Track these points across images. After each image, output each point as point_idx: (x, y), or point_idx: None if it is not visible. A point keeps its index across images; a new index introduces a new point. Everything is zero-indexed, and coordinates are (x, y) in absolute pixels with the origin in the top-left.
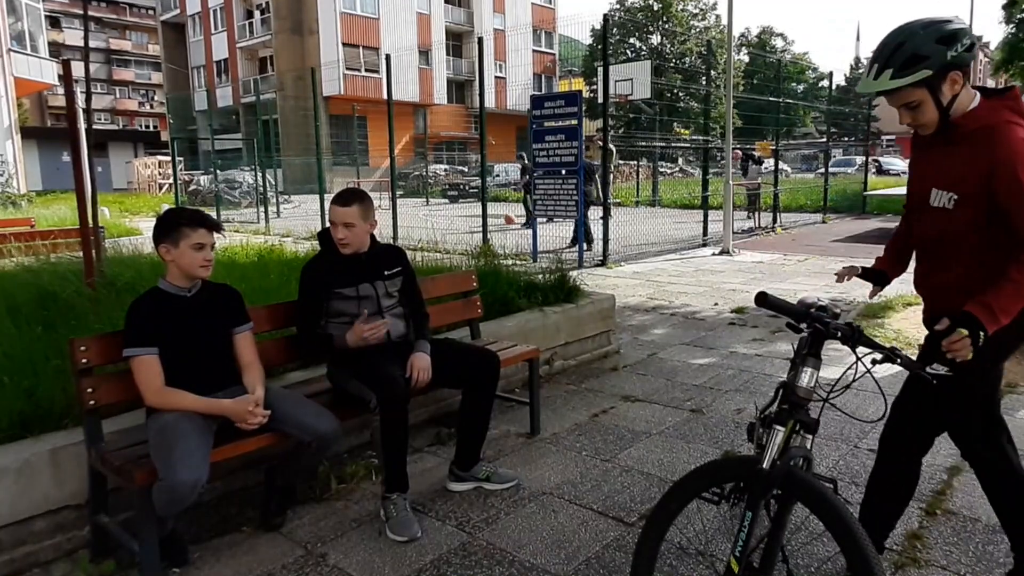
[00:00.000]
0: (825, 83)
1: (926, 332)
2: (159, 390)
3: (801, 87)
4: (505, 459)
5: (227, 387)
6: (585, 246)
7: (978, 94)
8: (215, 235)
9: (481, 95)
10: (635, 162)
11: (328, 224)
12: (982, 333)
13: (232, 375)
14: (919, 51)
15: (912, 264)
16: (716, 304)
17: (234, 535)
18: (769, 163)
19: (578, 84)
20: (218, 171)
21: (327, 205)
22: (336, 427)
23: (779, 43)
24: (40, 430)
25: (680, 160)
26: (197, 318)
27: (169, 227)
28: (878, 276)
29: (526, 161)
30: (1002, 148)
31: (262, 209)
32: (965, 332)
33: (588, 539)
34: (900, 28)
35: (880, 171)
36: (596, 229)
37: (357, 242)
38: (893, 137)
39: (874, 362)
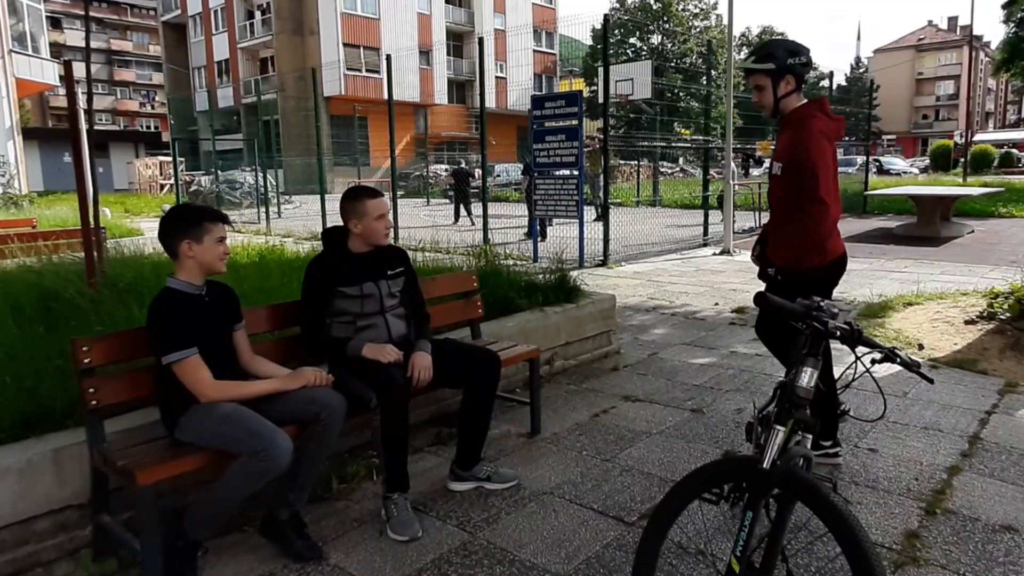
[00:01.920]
0: (825, 83)
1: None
2: (215, 385)
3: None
4: (506, 459)
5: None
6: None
7: (804, 101)
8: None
9: (482, 95)
10: (635, 162)
11: (349, 221)
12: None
13: (240, 372)
14: (773, 52)
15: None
16: (717, 304)
17: (236, 535)
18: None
19: (578, 84)
20: (219, 171)
21: (329, 206)
22: (343, 401)
23: None
24: (42, 430)
25: (681, 160)
26: (212, 318)
27: (191, 223)
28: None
29: (463, 165)
30: (805, 131)
31: (263, 209)
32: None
33: (588, 539)
34: (773, 39)
35: (881, 171)
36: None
37: None
38: (894, 137)
39: (873, 361)
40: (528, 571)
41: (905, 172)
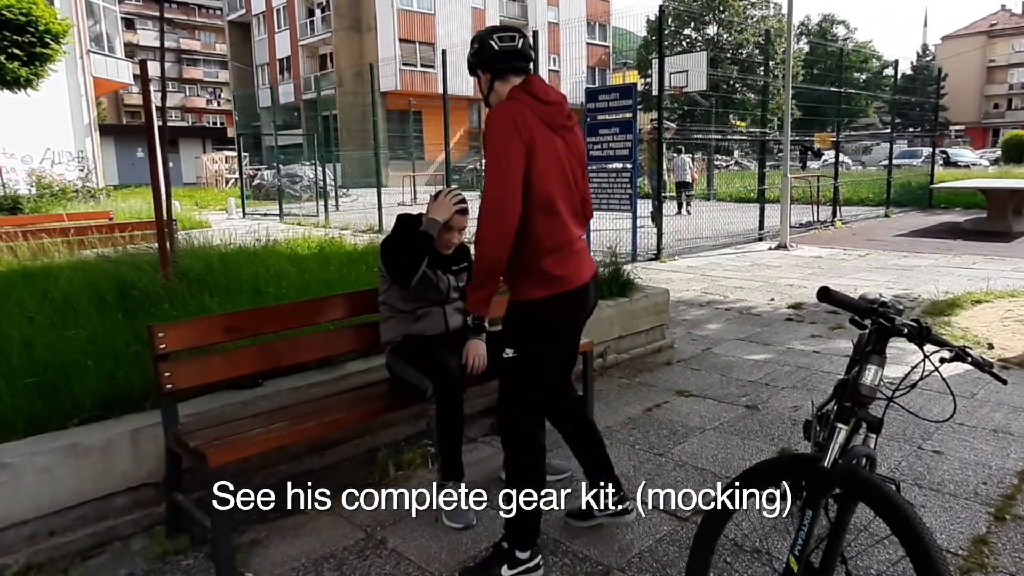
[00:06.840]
0: (889, 71)
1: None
2: None
3: (864, 76)
4: (558, 451)
5: None
6: None
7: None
8: None
9: None
10: (690, 155)
11: (421, 220)
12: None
13: None
14: (468, 59)
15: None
16: (772, 299)
17: (298, 516)
18: (830, 155)
19: (632, 77)
20: (280, 166)
21: (385, 199)
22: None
23: (841, 31)
24: (121, 412)
25: (736, 153)
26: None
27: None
28: None
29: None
30: (490, 121)
31: (322, 203)
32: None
33: (641, 532)
34: None
35: (948, 163)
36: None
37: None
38: (962, 127)
39: (943, 360)
40: (581, 562)
41: (974, 164)
